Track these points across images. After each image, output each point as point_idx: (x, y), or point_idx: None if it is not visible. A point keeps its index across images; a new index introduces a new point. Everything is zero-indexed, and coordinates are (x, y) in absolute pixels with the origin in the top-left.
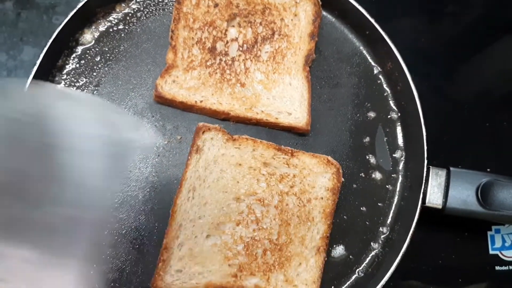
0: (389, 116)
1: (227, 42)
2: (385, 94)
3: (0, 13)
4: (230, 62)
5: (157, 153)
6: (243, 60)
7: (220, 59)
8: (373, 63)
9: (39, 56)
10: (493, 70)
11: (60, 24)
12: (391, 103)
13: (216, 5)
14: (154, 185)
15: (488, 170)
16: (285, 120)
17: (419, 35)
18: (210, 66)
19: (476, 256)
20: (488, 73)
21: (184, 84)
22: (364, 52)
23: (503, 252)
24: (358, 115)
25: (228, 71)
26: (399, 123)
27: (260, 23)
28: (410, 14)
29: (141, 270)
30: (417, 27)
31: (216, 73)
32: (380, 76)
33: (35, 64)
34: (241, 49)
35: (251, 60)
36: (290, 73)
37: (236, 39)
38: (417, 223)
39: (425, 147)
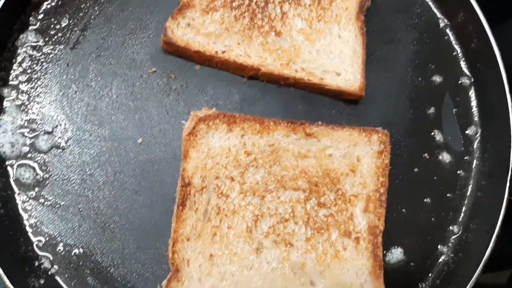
0: (459, 82)
1: None
2: (454, 54)
3: None
4: (262, 4)
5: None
6: (279, 2)
7: (250, 0)
8: (438, 14)
9: None
10: None
11: None
12: (463, 65)
13: None
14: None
15: None
16: (332, 81)
17: None
18: (236, 7)
19: None
20: None
21: (201, 29)
22: None
23: None
24: (419, 79)
25: (259, 16)
26: (472, 91)
27: None
28: None
29: None
30: None
31: (244, 17)
32: (448, 31)
33: None
34: None
35: (289, 3)
36: (340, 22)
37: None
38: (503, 221)
39: (511, 121)
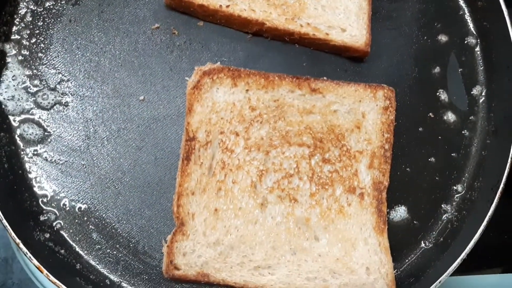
0: (465, 41)
1: None
2: (460, 13)
3: None
4: None
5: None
6: None
7: None
8: None
9: None
10: None
11: None
12: (469, 23)
13: None
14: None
15: None
16: (337, 37)
17: None
18: None
19: None
20: None
21: None
22: None
23: None
24: (425, 37)
25: None
26: (478, 50)
27: None
28: None
29: None
30: None
31: None
32: None
33: None
34: None
35: None
36: None
37: None
38: (507, 179)
39: None
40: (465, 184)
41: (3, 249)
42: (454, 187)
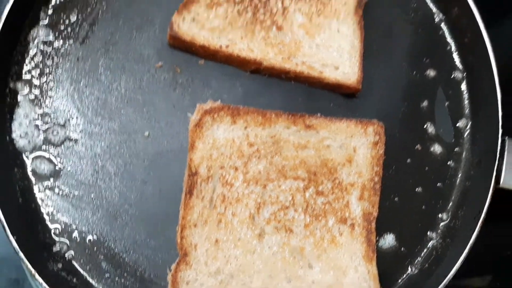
0: (452, 76)
1: None
2: (448, 48)
3: None
4: None
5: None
6: None
7: None
8: (434, 9)
9: None
10: None
11: None
12: (456, 59)
13: None
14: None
15: None
16: (330, 75)
17: None
18: (239, 2)
19: None
20: None
21: (206, 23)
22: None
23: None
24: (414, 73)
25: (261, 10)
26: (464, 85)
27: None
28: None
29: None
30: None
31: (247, 11)
32: (442, 25)
33: None
34: None
35: None
36: (339, 17)
37: None
38: (488, 208)
39: (500, 114)
40: (449, 213)
41: (15, 271)
42: (439, 215)
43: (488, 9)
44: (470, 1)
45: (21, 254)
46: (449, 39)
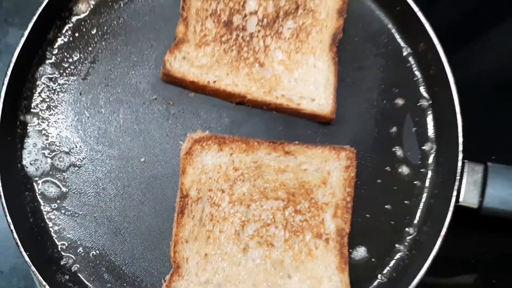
0: (419, 104)
1: (245, 15)
2: (415, 79)
3: None
4: (248, 39)
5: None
6: (262, 36)
7: (237, 35)
8: (402, 43)
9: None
10: None
11: None
12: (422, 89)
13: None
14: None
15: None
16: (307, 106)
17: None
18: (225, 42)
19: None
20: None
21: (195, 61)
22: (393, 30)
23: None
24: (384, 102)
25: (245, 49)
26: (430, 112)
27: None
28: None
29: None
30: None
31: (232, 50)
32: (410, 59)
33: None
34: (260, 24)
35: (271, 37)
36: (315, 53)
37: (256, 12)
38: (449, 224)
39: (460, 139)
40: (416, 228)
41: (23, 280)
42: (406, 229)
43: (450, 43)
44: (434, 37)
45: (33, 268)
46: (416, 71)
